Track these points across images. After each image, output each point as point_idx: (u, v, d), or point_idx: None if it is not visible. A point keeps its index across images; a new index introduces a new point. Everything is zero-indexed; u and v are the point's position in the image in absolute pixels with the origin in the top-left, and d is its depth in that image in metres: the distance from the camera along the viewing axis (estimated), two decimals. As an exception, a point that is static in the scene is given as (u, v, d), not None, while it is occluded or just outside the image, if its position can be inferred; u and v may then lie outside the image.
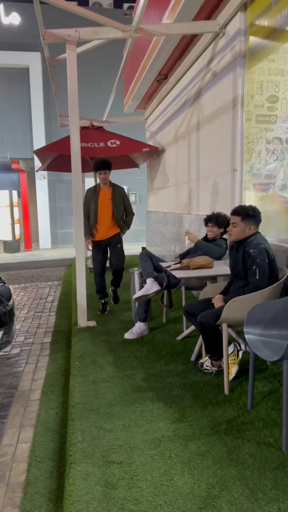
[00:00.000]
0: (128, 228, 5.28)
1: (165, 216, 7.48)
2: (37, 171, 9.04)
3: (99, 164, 5.05)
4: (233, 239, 3.06)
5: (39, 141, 13.93)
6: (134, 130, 10.79)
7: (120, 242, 5.21)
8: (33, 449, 2.55)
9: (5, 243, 13.99)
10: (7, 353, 4.23)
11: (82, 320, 4.68)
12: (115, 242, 5.16)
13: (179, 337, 4.07)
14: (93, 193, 5.06)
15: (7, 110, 14.35)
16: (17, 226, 14.45)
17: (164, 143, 7.41)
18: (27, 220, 14.73)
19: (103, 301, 5.21)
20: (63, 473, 2.26)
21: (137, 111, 9.19)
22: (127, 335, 4.19)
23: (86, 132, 7.30)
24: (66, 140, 7.30)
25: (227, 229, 3.16)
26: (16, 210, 14.42)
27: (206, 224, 4.23)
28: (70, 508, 1.88)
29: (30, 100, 14.21)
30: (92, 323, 4.66)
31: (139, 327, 4.22)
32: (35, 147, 13.95)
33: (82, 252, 4.60)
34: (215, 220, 4.16)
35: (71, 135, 4.44)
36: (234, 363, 3.05)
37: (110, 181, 5.13)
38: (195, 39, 5.26)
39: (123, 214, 5.19)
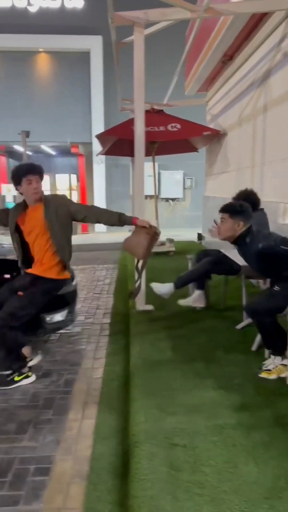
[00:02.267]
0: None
1: (224, 201, 7.32)
2: (97, 155, 9.17)
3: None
4: (222, 237, 3.10)
5: (98, 125, 14.10)
6: (193, 113, 10.60)
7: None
8: (97, 425, 2.64)
9: (63, 225, 14.42)
10: (70, 331, 4.39)
11: (140, 303, 4.74)
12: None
13: (239, 326, 4.02)
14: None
15: (68, 95, 14.61)
16: (74, 209, 14.84)
17: (226, 126, 7.22)
18: (84, 203, 15.05)
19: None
20: (127, 452, 2.32)
21: (198, 94, 9.00)
22: (181, 301, 4.34)
23: (147, 116, 7.20)
24: (126, 124, 7.36)
25: (214, 227, 3.21)
26: (74, 194, 14.78)
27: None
28: (136, 485, 1.94)
29: (90, 84, 14.36)
30: (150, 307, 4.71)
31: (194, 295, 4.34)
32: (94, 131, 14.13)
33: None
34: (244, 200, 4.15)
35: (135, 119, 4.44)
36: None
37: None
38: (264, 17, 5.03)
39: None
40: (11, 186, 14.07)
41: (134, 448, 2.22)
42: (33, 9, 14.29)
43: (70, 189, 14.41)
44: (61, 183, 14.56)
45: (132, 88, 4.28)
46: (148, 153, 8.43)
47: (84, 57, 14.29)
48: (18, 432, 2.59)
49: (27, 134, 11.33)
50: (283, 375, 2.94)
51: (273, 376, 2.95)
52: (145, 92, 4.29)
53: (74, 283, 4.20)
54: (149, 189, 7.29)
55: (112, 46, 5.09)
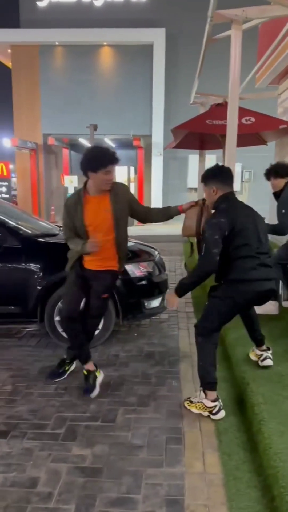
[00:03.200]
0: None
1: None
2: (165, 148, 9.31)
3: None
4: (210, 207, 2.89)
5: (158, 118, 14.24)
6: (260, 106, 10.49)
7: None
8: (212, 403, 2.83)
9: (121, 216, 14.76)
10: (159, 317, 4.61)
11: (223, 294, 4.87)
12: None
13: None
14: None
15: (129, 88, 14.83)
16: (132, 201, 15.13)
17: (302, 120, 7.16)
18: (141, 195, 15.30)
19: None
20: (250, 428, 2.50)
21: (269, 86, 8.92)
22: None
23: (220, 110, 7.31)
24: (200, 118, 7.45)
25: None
26: (132, 186, 15.05)
27: (268, 179, 3.97)
28: (274, 457, 2.10)
29: (152, 77, 14.48)
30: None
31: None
32: (154, 124, 14.32)
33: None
34: (274, 172, 3.88)
35: (229, 113, 4.58)
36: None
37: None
38: None
39: None
40: (74, 178, 14.57)
41: (260, 426, 2.38)
42: (98, 3, 14.59)
43: (129, 181, 14.69)
44: (119, 175, 14.87)
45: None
46: (218, 146, 8.52)
47: (146, 50, 14.41)
48: (141, 405, 2.82)
49: (95, 127, 11.65)
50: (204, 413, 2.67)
51: (193, 410, 2.71)
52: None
53: (166, 272, 4.43)
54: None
55: (203, 42, 5.20)
